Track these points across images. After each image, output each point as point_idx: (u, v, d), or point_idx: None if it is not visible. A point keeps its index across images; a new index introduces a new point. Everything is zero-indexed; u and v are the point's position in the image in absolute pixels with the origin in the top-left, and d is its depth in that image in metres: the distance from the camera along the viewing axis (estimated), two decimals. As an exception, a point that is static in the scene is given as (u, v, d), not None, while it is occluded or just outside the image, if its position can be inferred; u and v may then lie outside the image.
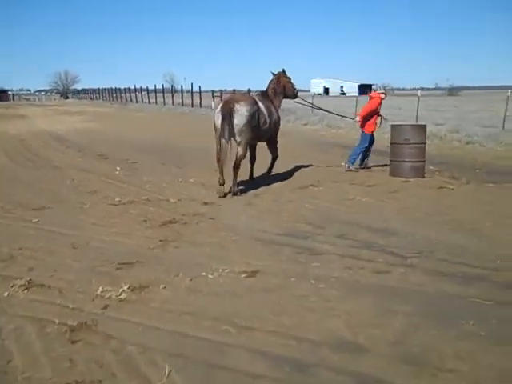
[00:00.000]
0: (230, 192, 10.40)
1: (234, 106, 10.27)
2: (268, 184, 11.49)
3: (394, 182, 11.57)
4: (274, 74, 12.26)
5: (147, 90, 66.55)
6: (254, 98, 11.01)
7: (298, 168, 13.60)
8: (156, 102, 58.73)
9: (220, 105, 10.70)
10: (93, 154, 17.08)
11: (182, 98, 54.50)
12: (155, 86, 63.11)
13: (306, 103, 15.12)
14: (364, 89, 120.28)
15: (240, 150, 10.43)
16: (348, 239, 7.45)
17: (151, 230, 7.85)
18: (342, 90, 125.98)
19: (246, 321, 4.84)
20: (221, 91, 49.57)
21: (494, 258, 6.49)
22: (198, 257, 6.65)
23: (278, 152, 12.31)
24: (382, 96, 13.48)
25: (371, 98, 13.48)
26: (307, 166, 13.95)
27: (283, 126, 28.51)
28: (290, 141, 20.61)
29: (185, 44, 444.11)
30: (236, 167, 10.44)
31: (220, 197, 10.16)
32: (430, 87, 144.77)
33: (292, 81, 12.55)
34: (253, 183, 11.54)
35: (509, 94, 21.11)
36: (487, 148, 17.75)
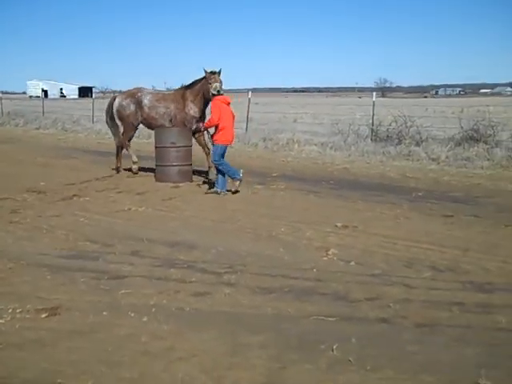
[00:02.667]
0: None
1: (114, 98, 13.10)
2: (19, 199, 9.88)
3: (164, 188, 10.89)
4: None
5: None
6: (133, 92, 12.75)
7: (50, 177, 12.11)
8: None
9: None
10: None
11: None
12: None
13: None
14: (85, 91, 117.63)
15: (122, 132, 12.82)
16: (145, 257, 6.59)
17: None
18: (61, 93, 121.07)
19: (74, 380, 3.74)
20: None
21: (308, 266, 6.21)
22: (-28, 297, 5.20)
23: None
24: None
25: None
26: (59, 174, 12.56)
27: (11, 131, 26.48)
28: (27, 147, 18.82)
29: None
30: (118, 146, 13.09)
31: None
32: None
33: (215, 84, 11.20)
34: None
35: (250, 96, 21.80)
36: (236, 149, 17.97)
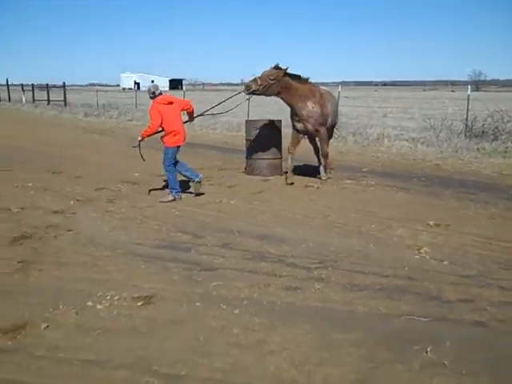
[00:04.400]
0: None
1: None
2: (114, 189, 10.30)
3: (254, 182, 10.99)
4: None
5: None
6: None
7: (142, 168, 12.41)
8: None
9: None
10: None
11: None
12: None
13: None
14: (175, 84, 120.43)
15: None
16: (235, 249, 6.66)
17: (2, 250, 6.39)
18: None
19: (168, 367, 3.85)
20: (33, 85, 46.65)
21: (399, 264, 6.08)
22: (73, 281, 5.44)
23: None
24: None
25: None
26: (152, 166, 12.83)
27: (105, 122, 27.49)
28: (120, 139, 19.48)
29: None
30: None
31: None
32: (237, 83, 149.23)
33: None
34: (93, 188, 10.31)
35: (340, 89, 21.59)
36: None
